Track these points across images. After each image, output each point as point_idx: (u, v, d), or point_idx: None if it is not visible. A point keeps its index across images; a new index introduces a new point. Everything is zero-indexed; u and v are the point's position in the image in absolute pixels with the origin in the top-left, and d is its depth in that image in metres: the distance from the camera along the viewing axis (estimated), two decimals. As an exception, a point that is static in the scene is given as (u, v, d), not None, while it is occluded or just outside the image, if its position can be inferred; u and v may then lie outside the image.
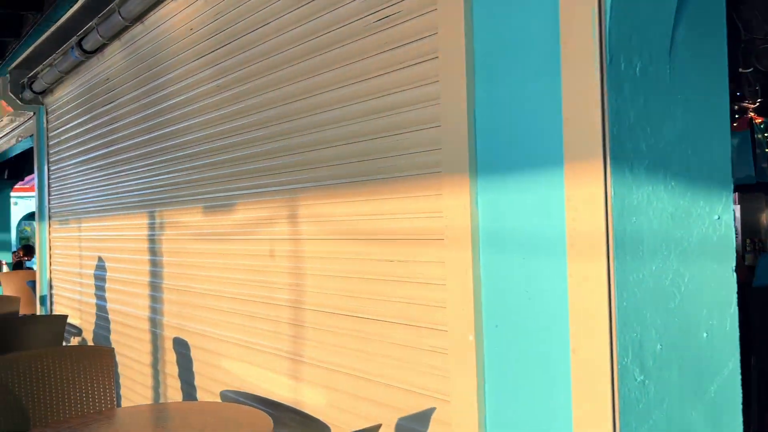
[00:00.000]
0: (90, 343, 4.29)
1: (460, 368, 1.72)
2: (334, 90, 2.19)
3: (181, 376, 3.23)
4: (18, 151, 7.16)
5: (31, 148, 7.03)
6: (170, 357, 3.32)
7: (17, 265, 9.76)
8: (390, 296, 1.99)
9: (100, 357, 2.75)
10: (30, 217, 16.69)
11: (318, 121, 2.28)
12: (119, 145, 3.91)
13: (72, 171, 4.74)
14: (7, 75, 5.16)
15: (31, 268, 10.68)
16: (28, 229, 18.13)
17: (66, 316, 3.96)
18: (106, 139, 4.11)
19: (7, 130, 6.49)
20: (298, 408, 2.39)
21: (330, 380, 2.25)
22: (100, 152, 4.21)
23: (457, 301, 1.74)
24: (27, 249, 10.41)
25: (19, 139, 6.09)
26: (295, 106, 2.40)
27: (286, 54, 2.42)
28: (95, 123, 4.27)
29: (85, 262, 4.49)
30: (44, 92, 5.01)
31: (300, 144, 2.38)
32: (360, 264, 2.12)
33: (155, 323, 3.48)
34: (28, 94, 5.07)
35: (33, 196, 16.10)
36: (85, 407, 2.68)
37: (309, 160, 2.34)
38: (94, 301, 4.32)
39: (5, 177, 9.05)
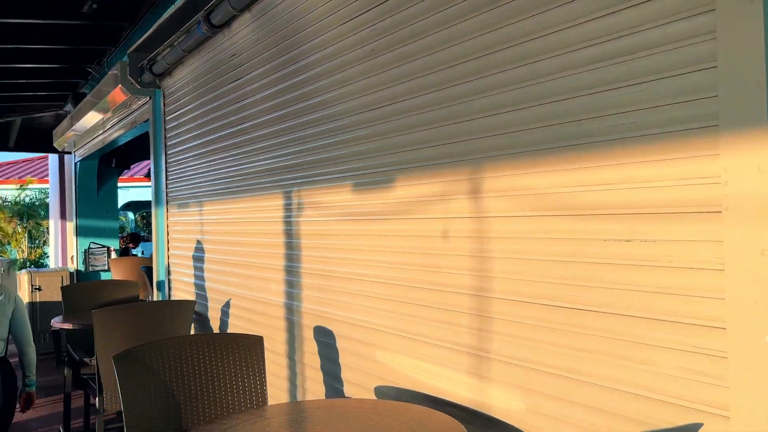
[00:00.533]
0: (215, 330, 4.17)
1: (750, 377, 1.35)
2: (541, 37, 1.84)
3: (324, 368, 2.99)
4: (128, 139, 7.24)
5: (139, 136, 7.12)
6: (310, 347, 3.10)
7: (123, 252, 10.03)
8: (625, 284, 1.63)
9: (250, 345, 2.54)
10: (125, 207, 17.35)
11: (513, 77, 1.93)
12: (247, 124, 3.73)
13: (191, 154, 4.64)
14: (126, 58, 5.12)
15: (136, 256, 11.00)
16: (123, 219, 18.88)
17: (194, 302, 3.83)
18: (231, 118, 3.94)
19: (119, 117, 6.54)
20: (483, 411, 2.08)
21: (527, 381, 1.91)
22: (225, 132, 4.05)
23: (744, 292, 1.35)
24: (133, 237, 10.72)
25: (133, 125, 6.11)
26: (473, 65, 2.07)
27: None
28: (218, 102, 4.11)
29: (208, 247, 4.37)
30: (163, 74, 4.94)
31: (484, 107, 2.05)
32: (575, 245, 1.76)
33: (291, 310, 3.26)
34: (147, 77, 5.01)
35: (129, 186, 16.68)
36: (235, 397, 2.48)
37: (497, 125, 2.00)
38: (218, 287, 4.19)
39: (113, 165, 9.27)
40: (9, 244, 14.92)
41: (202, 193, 4.45)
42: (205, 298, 4.42)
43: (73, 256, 9.65)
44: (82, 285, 4.99)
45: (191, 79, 4.55)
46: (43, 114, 9.47)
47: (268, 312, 3.52)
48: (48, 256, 14.66)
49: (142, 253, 12.34)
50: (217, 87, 4.13)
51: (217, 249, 4.23)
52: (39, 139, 11.02)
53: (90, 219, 9.33)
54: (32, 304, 8.54)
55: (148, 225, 20.59)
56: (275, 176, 3.40)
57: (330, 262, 2.92)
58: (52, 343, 8.57)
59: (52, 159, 12.91)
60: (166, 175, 5.15)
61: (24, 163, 20.69)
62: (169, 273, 5.15)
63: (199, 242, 4.51)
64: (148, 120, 5.62)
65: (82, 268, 9.11)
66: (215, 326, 4.20)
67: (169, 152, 5.11)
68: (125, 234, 11.62)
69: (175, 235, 5.06)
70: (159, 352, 2.38)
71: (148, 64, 4.89)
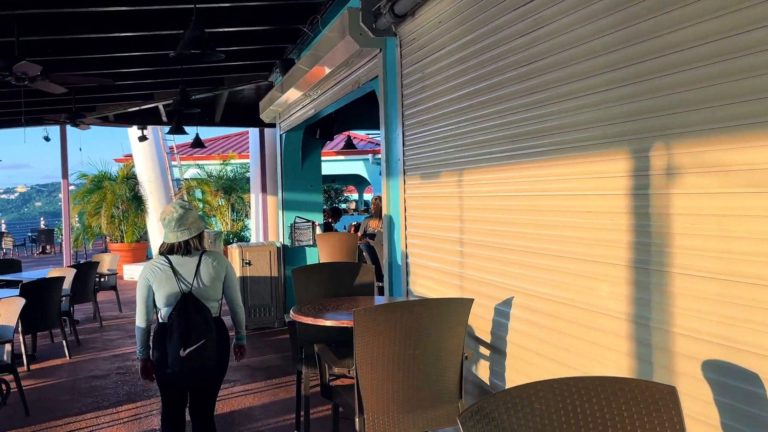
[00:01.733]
0: (488, 341, 3.25)
1: None
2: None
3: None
4: (340, 106, 6.62)
5: (347, 104, 6.48)
6: (702, 393, 2.03)
7: (326, 227, 9.69)
8: None
9: (661, 396, 1.53)
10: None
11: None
12: (539, 62, 2.70)
13: (442, 112, 3.74)
14: (355, 3, 4.35)
15: (337, 231, 10.70)
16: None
17: (471, 300, 2.93)
18: (508, 59, 2.94)
19: (336, 80, 5.89)
20: None
21: None
22: (496, 79, 3.07)
23: None
24: (334, 211, 10.38)
25: (354, 86, 5.40)
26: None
27: None
28: (490, 40, 3.13)
29: (469, 227, 3.46)
30: (404, 16, 4.08)
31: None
32: None
33: (648, 330, 2.21)
34: (383, 22, 4.19)
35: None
36: None
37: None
38: (487, 278, 3.26)
39: (317, 136, 8.86)
40: (214, 216, 15.67)
41: (459, 160, 3.54)
42: (468, 292, 3.53)
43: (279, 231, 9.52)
44: (311, 268, 4.37)
45: (446, 17, 3.63)
46: (248, 85, 9.33)
47: (590, 323, 2.50)
48: (249, 229, 15.17)
49: (345, 228, 12.11)
50: (487, 21, 3.15)
51: (485, 230, 3.30)
52: (242, 114, 11.10)
53: (294, 192, 9.06)
54: (243, 279, 8.46)
55: (329, 199, 20.84)
56: (611, 128, 2.34)
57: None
58: (265, 317, 8.47)
59: (253, 134, 13.11)
60: (403, 141, 4.34)
61: (223, 140, 21.93)
62: (406, 256, 4.35)
63: (459, 221, 3.62)
64: (375, 78, 4.85)
65: (287, 242, 8.88)
66: (484, 333, 3.29)
67: (406, 112, 4.28)
68: (326, 208, 11.39)
69: (415, 211, 4.24)
70: (531, 400, 1.46)
71: (387, 3, 4.05)
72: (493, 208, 3.20)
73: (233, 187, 15.49)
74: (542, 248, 2.79)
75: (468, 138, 3.42)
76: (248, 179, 14.68)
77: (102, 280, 9.81)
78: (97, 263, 9.26)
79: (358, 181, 29.23)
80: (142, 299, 3.35)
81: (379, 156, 18.57)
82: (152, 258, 3.50)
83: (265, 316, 8.56)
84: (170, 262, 3.33)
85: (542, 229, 2.79)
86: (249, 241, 14.74)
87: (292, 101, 7.44)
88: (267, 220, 12.34)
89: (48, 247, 22.05)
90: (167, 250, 3.38)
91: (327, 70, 5.62)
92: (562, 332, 2.69)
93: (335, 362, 3.02)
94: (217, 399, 5.41)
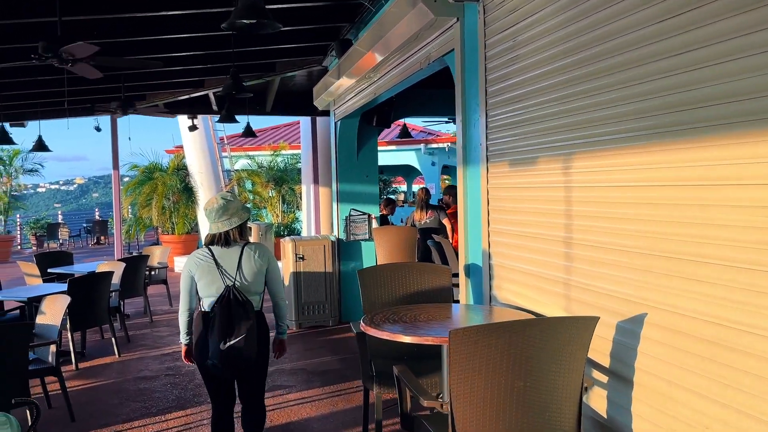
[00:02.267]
0: (602, 362, 2.63)
1: None
2: None
3: None
4: (403, 88, 6.04)
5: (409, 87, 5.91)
6: None
7: (382, 220, 9.16)
8: None
9: None
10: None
11: None
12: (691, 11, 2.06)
13: (540, 85, 3.12)
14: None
15: (392, 224, 10.15)
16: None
17: (596, 319, 2.32)
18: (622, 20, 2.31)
19: (401, 58, 5.33)
20: None
21: None
22: (621, 38, 2.45)
23: None
24: (388, 202, 9.84)
25: (423, 64, 4.82)
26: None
27: None
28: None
29: (578, 224, 2.85)
30: (492, -26, 3.47)
31: None
32: None
33: None
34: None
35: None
36: None
37: None
38: (606, 287, 2.64)
39: (374, 124, 8.31)
40: (264, 208, 15.37)
41: (566, 143, 2.92)
42: (566, 302, 2.92)
43: (332, 223, 9.04)
44: (379, 269, 3.83)
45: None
46: (300, 71, 8.86)
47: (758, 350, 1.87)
48: (300, 221, 14.80)
49: (403, 222, 11.55)
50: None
51: (602, 228, 2.68)
52: (293, 103, 10.68)
53: (349, 183, 8.54)
54: (296, 275, 8.02)
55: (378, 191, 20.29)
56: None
57: None
58: (319, 314, 8.01)
59: (304, 123, 12.69)
60: (486, 122, 3.73)
61: (272, 130, 21.68)
62: (489, 256, 3.76)
63: (554, 215, 3.01)
64: (450, 52, 4.26)
65: (342, 236, 8.38)
66: (599, 355, 2.66)
67: (491, 89, 3.67)
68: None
69: (501, 204, 3.64)
70: None
71: (472, -41, 3.46)
72: (615, 202, 2.58)
73: (284, 178, 15.14)
74: (693, 253, 2.16)
75: (578, 114, 2.80)
76: (299, 170, 14.29)
77: (152, 273, 9.55)
78: (147, 256, 8.99)
79: (407, 173, 28.63)
80: (185, 290, 3.39)
81: (433, 145, 18.02)
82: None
83: (320, 314, 8.10)
84: (213, 254, 3.33)
85: (689, 228, 2.17)
86: (300, 233, 14.36)
87: (349, 85, 6.91)
88: (319, 212, 11.91)
89: (102, 237, 22.32)
90: (209, 241, 3.41)
91: (392, 47, 5.05)
92: (722, 363, 2.06)
93: (423, 393, 2.47)
94: (273, 408, 4.97)
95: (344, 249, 8.35)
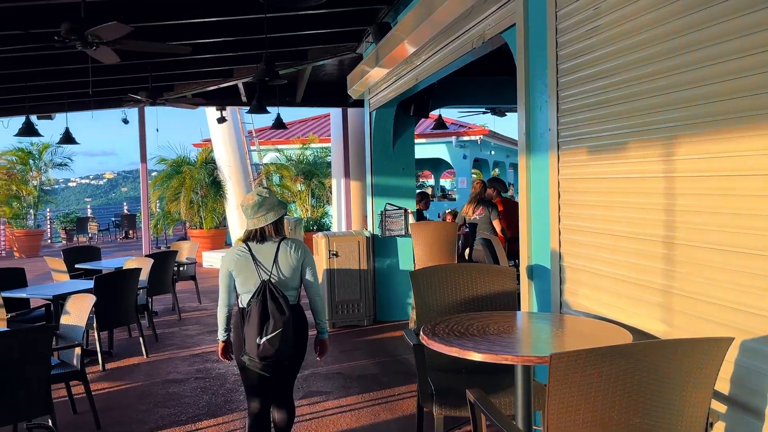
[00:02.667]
0: (721, 388, 2.17)
1: None
2: None
3: None
4: (447, 73, 5.59)
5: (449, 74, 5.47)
6: None
7: (418, 215, 8.73)
8: None
9: None
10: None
11: None
12: None
13: (631, 57, 2.66)
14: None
15: (428, 219, 9.72)
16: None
17: (730, 340, 1.87)
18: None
19: (450, 38, 4.89)
20: None
21: None
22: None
23: None
24: (422, 196, 9.41)
25: (477, 42, 4.37)
26: None
27: None
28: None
29: (684, 221, 2.39)
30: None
31: None
32: None
33: None
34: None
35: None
36: None
37: None
38: (727, 299, 2.18)
39: (411, 113, 7.88)
40: (294, 202, 15.05)
41: (667, 125, 2.46)
42: (666, 313, 2.47)
43: (366, 218, 8.64)
44: (434, 270, 3.41)
45: None
46: (332, 59, 8.46)
47: None
48: (329, 216, 14.44)
49: (440, 216, 11.11)
50: None
51: (720, 227, 2.22)
52: (324, 93, 10.30)
53: (385, 176, 8.13)
54: (329, 272, 7.65)
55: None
56: None
57: None
58: (353, 313, 7.63)
59: (335, 115, 12.29)
60: (557, 105, 3.28)
61: (300, 123, 21.36)
62: (559, 257, 3.31)
63: (650, 210, 2.56)
64: (510, 28, 3.81)
65: (377, 232, 7.98)
66: (721, 383, 2.20)
67: (563, 66, 3.22)
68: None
69: (577, 197, 3.19)
70: None
71: None
72: (738, 194, 2.12)
73: (313, 172, 14.80)
74: None
75: (685, 89, 2.34)
76: (328, 163, 13.93)
77: (181, 269, 9.26)
78: (175, 252, 8.69)
79: (435, 166, 28.10)
80: (224, 286, 3.39)
81: (464, 138, 17.36)
82: (231, 245, 3.30)
83: (354, 312, 7.72)
84: (250, 249, 3.36)
85: None
86: (330, 228, 14.01)
87: (387, 72, 6.49)
88: (350, 207, 11.52)
89: (131, 232, 22.29)
90: (245, 237, 3.43)
91: (439, 27, 4.62)
92: None
93: (511, 428, 2.04)
94: (311, 417, 4.61)
95: (379, 245, 7.95)
